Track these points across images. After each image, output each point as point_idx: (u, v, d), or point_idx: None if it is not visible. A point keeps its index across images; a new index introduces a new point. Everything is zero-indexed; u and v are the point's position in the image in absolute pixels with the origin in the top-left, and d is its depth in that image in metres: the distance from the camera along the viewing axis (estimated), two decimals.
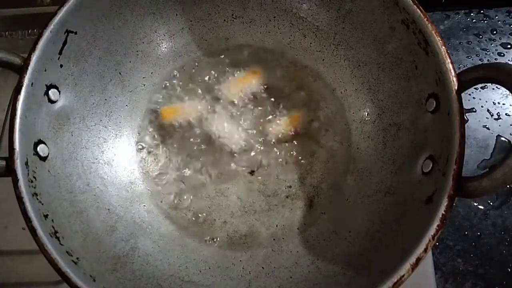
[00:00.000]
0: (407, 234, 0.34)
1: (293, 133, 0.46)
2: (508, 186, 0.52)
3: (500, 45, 0.59)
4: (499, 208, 0.51)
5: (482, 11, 0.61)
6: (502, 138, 0.54)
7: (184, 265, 0.41)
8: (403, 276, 0.30)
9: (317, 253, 0.41)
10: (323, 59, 0.49)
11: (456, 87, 0.34)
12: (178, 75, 0.49)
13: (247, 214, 0.44)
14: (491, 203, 0.51)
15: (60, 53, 0.39)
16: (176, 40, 0.49)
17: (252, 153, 0.46)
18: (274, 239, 0.43)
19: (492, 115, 0.55)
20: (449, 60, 0.35)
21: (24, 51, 0.37)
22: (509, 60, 0.58)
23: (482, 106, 0.55)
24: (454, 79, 0.34)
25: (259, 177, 0.45)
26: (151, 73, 0.49)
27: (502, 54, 0.59)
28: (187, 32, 0.49)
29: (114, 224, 0.41)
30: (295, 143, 0.46)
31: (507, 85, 0.31)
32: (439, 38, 0.36)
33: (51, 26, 0.38)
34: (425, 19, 0.37)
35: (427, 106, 0.37)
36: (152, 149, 0.46)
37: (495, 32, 0.60)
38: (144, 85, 0.48)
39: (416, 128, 0.39)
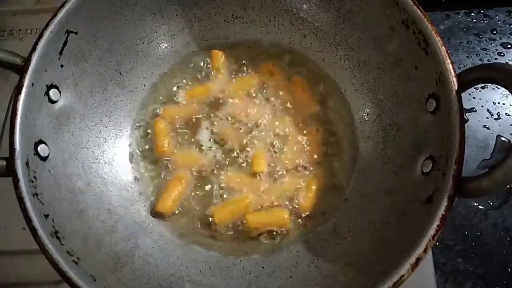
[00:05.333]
0: (407, 234, 0.34)
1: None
2: (508, 186, 0.52)
3: (500, 45, 0.59)
4: (499, 208, 0.51)
5: (482, 11, 0.61)
6: (502, 138, 0.54)
7: (184, 265, 0.41)
8: (403, 276, 0.30)
9: (317, 253, 0.41)
10: (323, 59, 0.49)
11: (456, 87, 0.34)
12: (178, 75, 0.49)
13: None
14: (491, 203, 0.51)
15: (60, 53, 0.39)
16: (177, 40, 0.49)
17: (251, 154, 0.46)
18: (274, 239, 0.43)
19: (492, 115, 0.55)
20: (449, 60, 0.35)
21: (24, 51, 0.37)
22: (509, 60, 0.58)
23: (482, 106, 0.55)
24: (454, 79, 0.34)
25: (260, 178, 0.45)
26: (151, 73, 0.49)
27: (502, 54, 0.59)
28: (188, 32, 0.49)
29: (114, 224, 0.41)
30: (294, 144, 0.46)
31: (507, 85, 0.31)
32: (439, 38, 0.36)
33: (51, 26, 0.38)
34: (425, 19, 0.37)
35: (427, 106, 0.37)
36: (152, 149, 0.46)
37: (495, 32, 0.60)
38: (144, 85, 0.48)
39: (416, 128, 0.39)
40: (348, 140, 0.46)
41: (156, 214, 0.44)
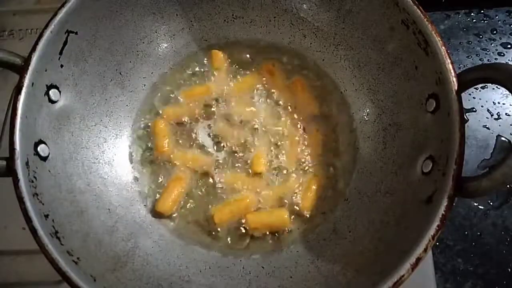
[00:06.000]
0: (407, 234, 0.34)
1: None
2: (508, 186, 0.52)
3: (500, 45, 0.59)
4: (499, 208, 0.51)
5: (482, 11, 0.61)
6: (502, 138, 0.54)
7: (184, 265, 0.41)
8: (403, 276, 0.30)
9: (317, 253, 0.41)
10: (323, 59, 0.49)
11: (456, 87, 0.34)
12: (178, 75, 0.49)
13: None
14: (491, 203, 0.51)
15: (60, 53, 0.39)
16: (177, 40, 0.49)
17: (251, 154, 0.46)
18: (274, 239, 0.43)
19: (492, 115, 0.55)
20: (449, 60, 0.35)
21: (24, 51, 0.37)
22: (509, 60, 0.58)
23: (482, 106, 0.55)
24: (454, 79, 0.34)
25: (259, 178, 0.45)
26: (152, 73, 0.49)
27: (502, 54, 0.59)
28: (188, 32, 0.49)
29: (114, 224, 0.41)
30: (294, 144, 0.46)
31: (507, 85, 0.31)
32: (439, 38, 0.36)
33: (51, 26, 0.38)
34: (425, 19, 0.37)
35: (427, 106, 0.37)
36: (152, 149, 0.46)
37: (495, 32, 0.60)
38: (144, 85, 0.48)
39: (416, 128, 0.39)
40: (348, 140, 0.46)
41: (156, 214, 0.44)
